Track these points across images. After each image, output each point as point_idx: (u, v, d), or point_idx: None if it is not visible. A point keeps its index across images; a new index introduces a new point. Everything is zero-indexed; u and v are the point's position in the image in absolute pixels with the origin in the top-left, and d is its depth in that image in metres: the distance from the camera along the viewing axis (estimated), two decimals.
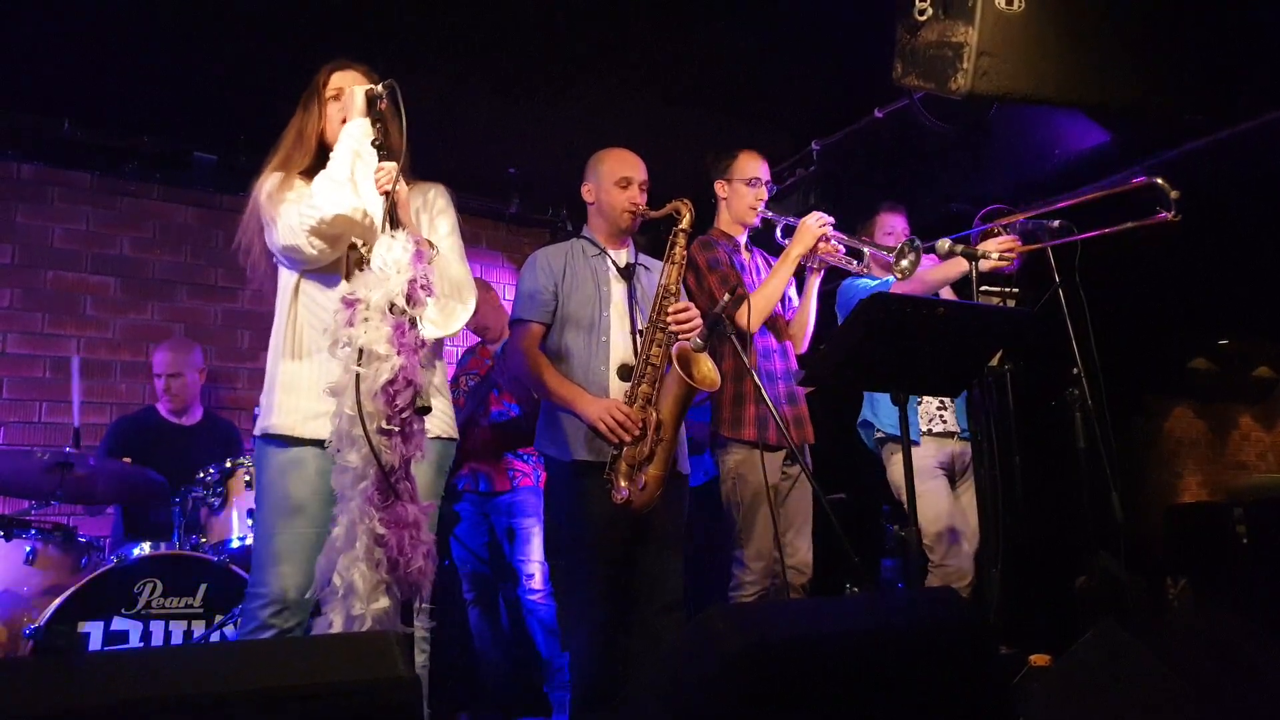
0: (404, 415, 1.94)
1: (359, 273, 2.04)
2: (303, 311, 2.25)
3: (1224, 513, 5.06)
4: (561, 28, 3.68)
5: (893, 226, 3.61)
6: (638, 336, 2.81)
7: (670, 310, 2.72)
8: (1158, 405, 7.72)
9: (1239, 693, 1.98)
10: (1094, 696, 2.04)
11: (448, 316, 2.24)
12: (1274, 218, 4.16)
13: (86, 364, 4.46)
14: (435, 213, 2.38)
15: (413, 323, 2.00)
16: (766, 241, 3.43)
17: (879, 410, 3.55)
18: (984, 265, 2.96)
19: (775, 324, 3.25)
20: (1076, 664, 2.12)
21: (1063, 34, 2.67)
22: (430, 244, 2.10)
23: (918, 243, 3.02)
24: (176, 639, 3.09)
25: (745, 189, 3.27)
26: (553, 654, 3.63)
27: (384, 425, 1.93)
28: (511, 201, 5.38)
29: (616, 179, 2.92)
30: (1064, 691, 2.10)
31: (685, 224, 2.80)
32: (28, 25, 3.58)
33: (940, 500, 3.37)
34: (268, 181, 2.26)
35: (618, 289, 2.91)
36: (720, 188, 3.33)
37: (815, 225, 3.12)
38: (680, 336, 2.69)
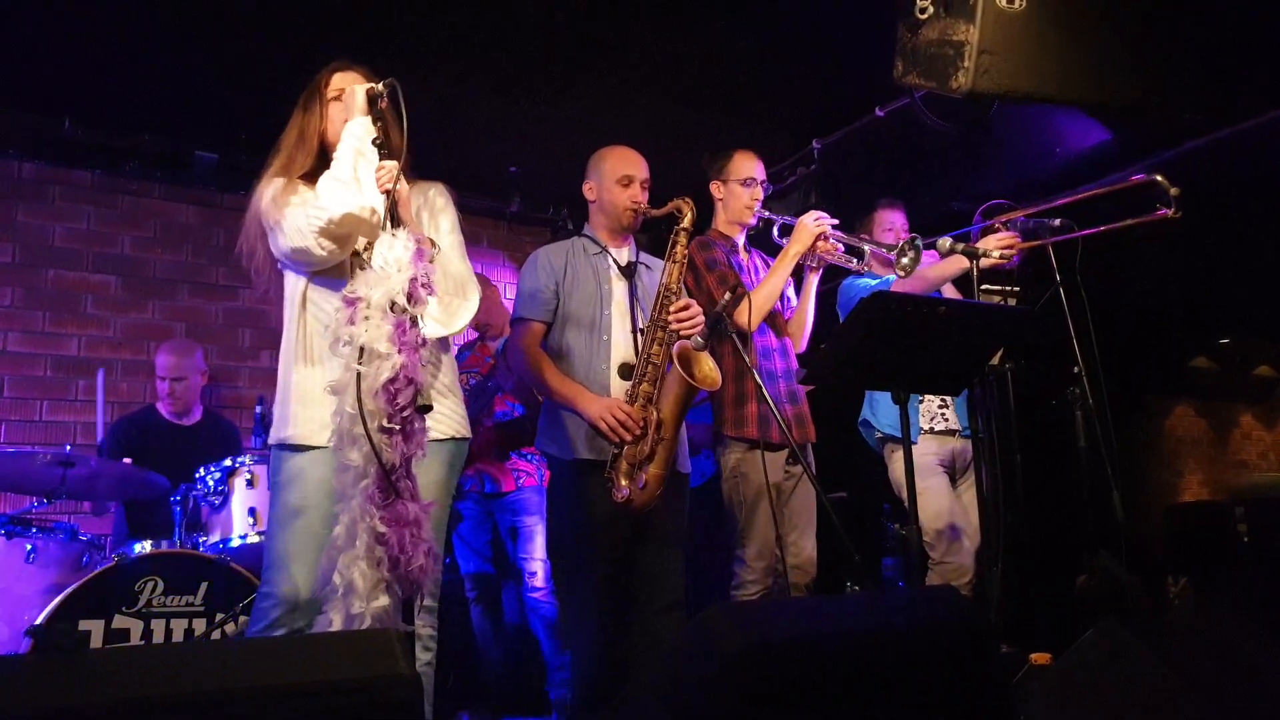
0: (405, 413, 1.94)
1: (360, 272, 2.04)
2: (311, 321, 2.25)
3: (1225, 512, 5.06)
4: (561, 28, 3.68)
5: (891, 223, 3.60)
6: (639, 335, 2.81)
7: (672, 308, 2.72)
8: (1159, 404, 7.72)
9: (1239, 692, 1.98)
10: (1094, 696, 2.04)
11: (451, 314, 2.24)
12: (1274, 217, 4.16)
13: (87, 363, 4.47)
14: (435, 211, 2.38)
15: (414, 321, 2.00)
16: (765, 241, 3.43)
17: (878, 410, 3.55)
18: (984, 263, 2.96)
19: (774, 322, 3.25)
20: (1077, 663, 2.12)
21: (1063, 33, 2.67)
22: (432, 242, 2.11)
23: (918, 240, 3.02)
24: (177, 637, 3.10)
25: (740, 189, 3.27)
26: (554, 653, 3.63)
27: (385, 423, 1.93)
28: (512, 200, 5.38)
29: (618, 177, 2.92)
30: (1064, 691, 2.10)
31: (687, 222, 2.80)
32: (28, 25, 3.58)
33: (941, 498, 3.37)
34: (269, 187, 2.25)
35: (619, 287, 2.91)
36: (716, 189, 3.33)
37: (812, 224, 3.12)
38: (683, 334, 2.69)
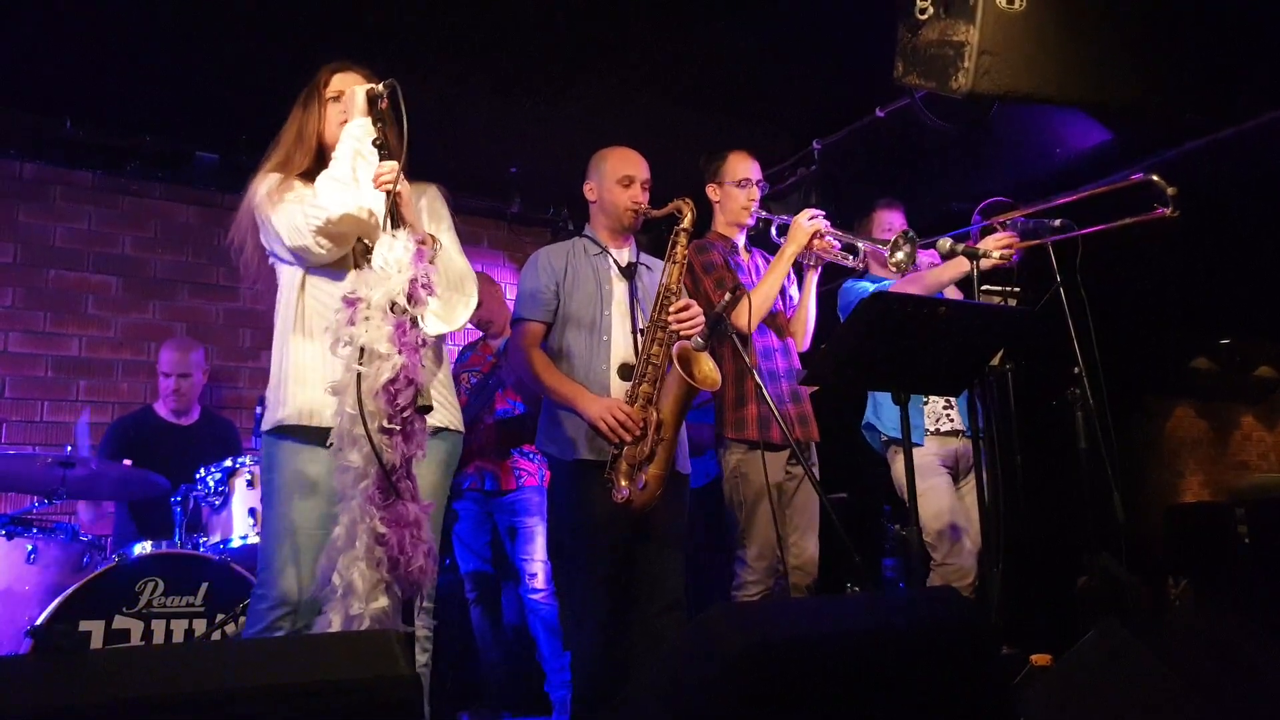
0: (405, 414, 1.95)
1: (361, 270, 2.04)
2: (310, 302, 2.23)
3: (1225, 513, 5.06)
4: (561, 28, 3.68)
5: (891, 223, 3.59)
6: (639, 336, 2.81)
7: (672, 309, 2.72)
8: (1159, 405, 7.71)
9: (1240, 693, 1.98)
10: (1095, 697, 2.04)
11: (451, 310, 2.23)
12: (1275, 217, 4.16)
13: (88, 363, 4.48)
14: (430, 213, 2.37)
15: (414, 322, 2.00)
16: (765, 242, 3.43)
17: (882, 414, 3.53)
18: (984, 264, 2.95)
19: (776, 322, 3.25)
20: (1077, 664, 2.12)
21: (1063, 33, 2.67)
22: (433, 239, 2.11)
23: (912, 234, 3.02)
24: (178, 638, 3.09)
25: (737, 190, 3.27)
26: (554, 654, 3.63)
27: (385, 424, 1.93)
28: (513, 201, 5.38)
29: (619, 177, 2.92)
30: (1065, 692, 2.10)
31: (687, 223, 2.80)
32: (28, 25, 3.58)
33: (942, 497, 3.36)
34: (265, 182, 2.25)
35: (619, 288, 2.91)
36: (712, 191, 3.33)
37: (807, 223, 3.12)
38: (682, 335, 2.69)
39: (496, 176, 5.12)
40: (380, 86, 2.17)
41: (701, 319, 2.71)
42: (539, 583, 3.71)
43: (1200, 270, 4.93)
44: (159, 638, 3.07)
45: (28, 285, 4.43)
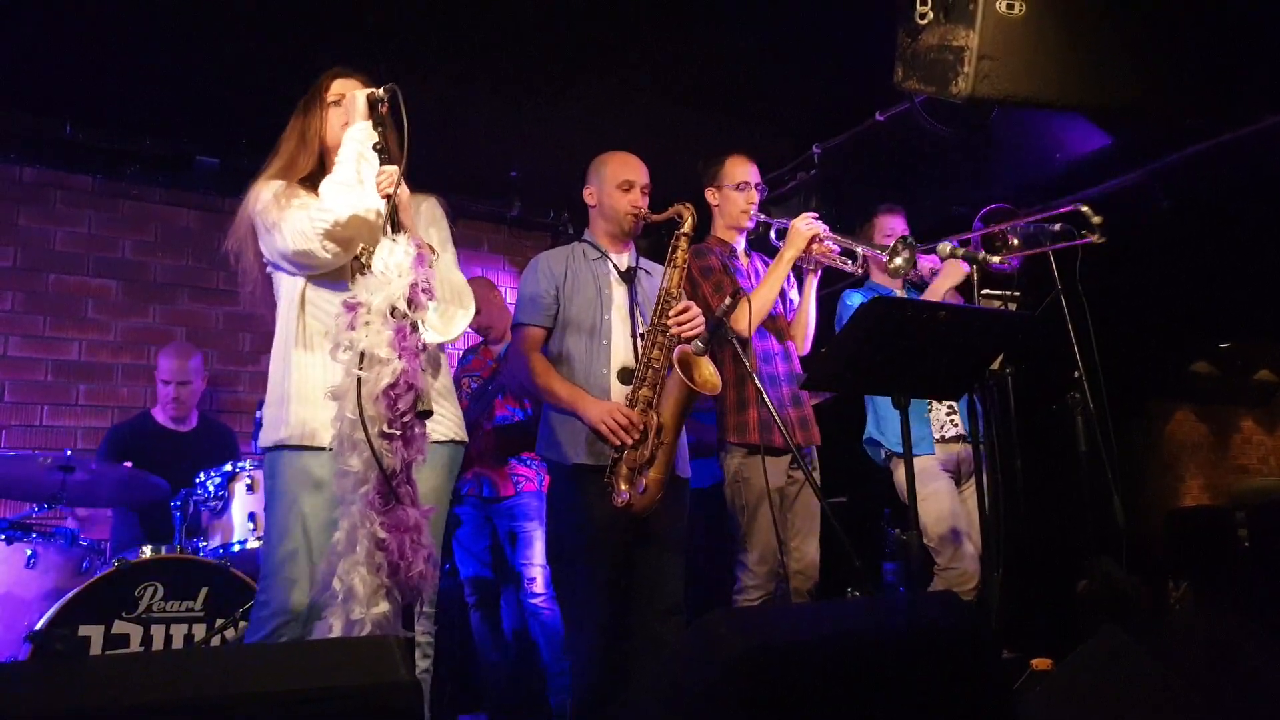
0: (405, 419, 1.95)
1: (361, 277, 2.04)
2: (311, 321, 2.22)
3: (1225, 516, 5.05)
4: (561, 28, 3.69)
5: (891, 228, 3.59)
6: (639, 340, 2.81)
7: (672, 312, 2.72)
8: (1159, 408, 7.72)
9: (1240, 696, 1.98)
10: (1095, 700, 2.04)
11: (448, 322, 2.23)
12: (1275, 220, 4.15)
13: (88, 367, 4.48)
14: (428, 224, 2.37)
15: (414, 326, 2.00)
16: (765, 245, 3.43)
17: (886, 428, 3.50)
18: (985, 259, 2.95)
19: (776, 325, 3.25)
20: (1078, 668, 2.12)
21: (1063, 37, 2.67)
22: (431, 248, 2.10)
23: (911, 240, 3.02)
24: (177, 642, 3.09)
25: (735, 194, 3.27)
26: (554, 658, 3.63)
27: (385, 429, 1.93)
28: (513, 204, 5.38)
29: (618, 182, 2.92)
30: (1065, 695, 2.10)
31: (687, 227, 2.80)
32: (28, 26, 3.58)
33: (945, 501, 3.35)
34: (267, 188, 2.23)
35: (619, 292, 2.91)
36: (711, 195, 3.33)
37: (805, 227, 3.13)
38: (683, 338, 2.68)
39: (497, 180, 5.12)
40: (381, 91, 2.17)
41: (702, 321, 2.70)
42: (539, 587, 3.70)
43: (1200, 274, 4.93)
44: (158, 642, 3.06)
45: (28, 289, 4.43)
